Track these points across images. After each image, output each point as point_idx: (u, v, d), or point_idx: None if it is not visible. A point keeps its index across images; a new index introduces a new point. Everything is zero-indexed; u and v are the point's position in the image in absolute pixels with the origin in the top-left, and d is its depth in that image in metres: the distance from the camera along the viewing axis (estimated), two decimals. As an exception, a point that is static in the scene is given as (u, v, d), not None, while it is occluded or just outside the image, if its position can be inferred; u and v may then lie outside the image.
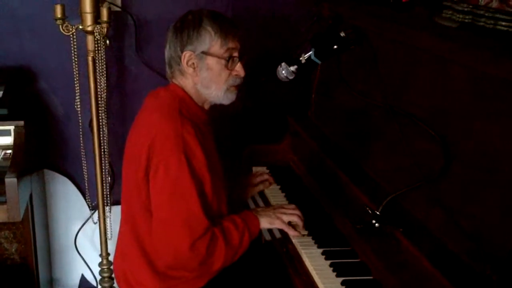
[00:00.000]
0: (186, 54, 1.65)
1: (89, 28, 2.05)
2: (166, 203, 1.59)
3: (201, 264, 1.60)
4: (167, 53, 1.71)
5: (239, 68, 1.69)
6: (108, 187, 2.31)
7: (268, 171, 2.18)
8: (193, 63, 1.66)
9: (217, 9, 1.75)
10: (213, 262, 1.61)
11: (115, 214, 2.32)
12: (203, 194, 1.62)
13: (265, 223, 1.73)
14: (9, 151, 1.97)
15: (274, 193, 2.05)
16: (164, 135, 1.58)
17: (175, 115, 1.61)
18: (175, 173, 1.56)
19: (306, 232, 1.74)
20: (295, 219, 1.74)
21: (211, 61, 1.65)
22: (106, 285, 2.39)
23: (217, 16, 1.67)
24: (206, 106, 1.76)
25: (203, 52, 1.64)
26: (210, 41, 1.64)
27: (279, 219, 1.73)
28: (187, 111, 1.65)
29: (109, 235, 2.34)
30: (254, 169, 2.23)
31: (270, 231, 1.80)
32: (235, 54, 1.68)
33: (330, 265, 1.58)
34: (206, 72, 1.66)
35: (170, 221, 1.58)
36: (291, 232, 1.73)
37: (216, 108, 1.78)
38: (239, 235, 1.64)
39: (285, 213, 1.75)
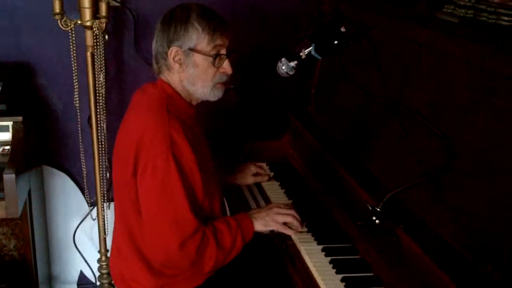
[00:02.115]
0: (173, 50, 1.62)
1: (88, 23, 2.04)
2: (154, 203, 1.57)
3: (192, 264, 1.59)
4: (154, 47, 1.68)
5: (226, 66, 1.66)
6: (106, 183, 2.31)
7: (268, 167, 2.17)
8: (180, 59, 1.63)
9: (216, 4, 1.72)
10: (203, 262, 1.59)
11: (113, 211, 2.31)
12: (193, 192, 1.60)
13: (260, 226, 1.70)
14: (8, 147, 1.96)
15: (274, 190, 2.03)
16: (152, 134, 1.56)
17: (162, 113, 1.58)
18: (163, 173, 1.54)
19: (305, 229, 1.73)
20: (289, 220, 1.71)
21: (197, 58, 1.62)
22: (104, 281, 2.39)
23: (206, 11, 1.64)
24: (194, 102, 1.73)
25: (190, 49, 1.61)
26: (197, 38, 1.61)
27: (273, 221, 1.70)
28: (174, 108, 1.63)
29: (107, 232, 2.34)
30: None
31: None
32: (223, 51, 1.65)
33: (330, 262, 1.58)
34: (193, 69, 1.64)
35: (159, 221, 1.57)
36: (287, 232, 1.71)
37: (214, 103, 1.76)
38: (231, 238, 1.62)
39: (279, 213, 1.72)
